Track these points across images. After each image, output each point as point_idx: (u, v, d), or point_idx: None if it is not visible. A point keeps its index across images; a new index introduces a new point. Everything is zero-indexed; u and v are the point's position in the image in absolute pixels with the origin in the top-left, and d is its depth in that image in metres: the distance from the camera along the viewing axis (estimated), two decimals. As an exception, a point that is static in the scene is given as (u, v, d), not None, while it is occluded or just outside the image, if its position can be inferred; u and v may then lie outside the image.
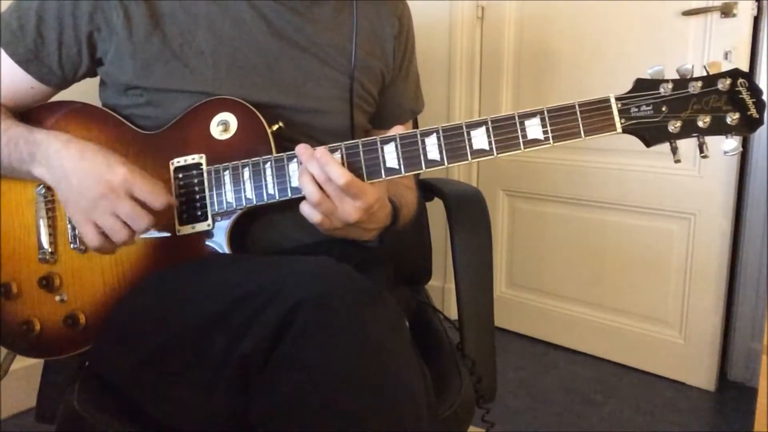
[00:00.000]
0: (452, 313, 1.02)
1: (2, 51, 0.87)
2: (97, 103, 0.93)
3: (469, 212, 1.06)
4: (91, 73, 0.92)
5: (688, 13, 1.79)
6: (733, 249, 1.90)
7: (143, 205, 0.79)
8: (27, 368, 1.53)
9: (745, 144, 1.84)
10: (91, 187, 0.78)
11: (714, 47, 1.75)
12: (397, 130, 0.81)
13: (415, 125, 1.19)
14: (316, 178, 0.78)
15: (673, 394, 1.92)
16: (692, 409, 1.84)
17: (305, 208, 0.80)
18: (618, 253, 2.06)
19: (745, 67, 1.72)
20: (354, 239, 0.88)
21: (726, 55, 1.72)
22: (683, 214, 1.91)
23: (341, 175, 0.77)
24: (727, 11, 1.71)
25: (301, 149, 0.79)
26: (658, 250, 1.97)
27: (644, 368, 2.04)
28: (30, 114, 0.90)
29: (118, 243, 0.81)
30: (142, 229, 0.80)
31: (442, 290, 2.37)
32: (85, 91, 0.95)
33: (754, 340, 1.90)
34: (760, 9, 1.72)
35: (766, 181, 1.82)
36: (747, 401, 1.77)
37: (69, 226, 0.87)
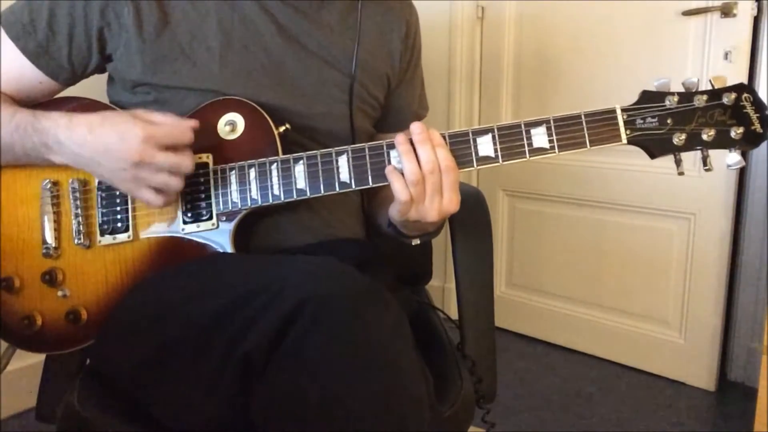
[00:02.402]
0: (452, 313, 1.02)
1: (13, 45, 0.86)
2: (105, 100, 0.93)
3: (469, 212, 1.06)
4: (100, 70, 0.92)
5: (688, 13, 1.79)
6: (733, 249, 1.90)
7: (175, 147, 0.79)
8: (27, 368, 1.53)
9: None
10: (122, 161, 0.78)
11: (714, 47, 1.75)
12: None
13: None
14: (422, 161, 0.78)
15: (673, 394, 1.92)
16: (692, 409, 1.84)
17: (397, 184, 0.79)
18: (618, 253, 2.06)
19: (744, 68, 1.72)
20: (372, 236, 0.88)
21: (726, 55, 1.72)
22: (683, 214, 1.91)
23: (447, 157, 0.78)
24: (727, 11, 1.72)
25: (418, 126, 0.79)
26: (658, 250, 1.97)
27: (644, 368, 2.04)
28: (38, 109, 0.90)
29: (178, 190, 0.81)
30: (191, 167, 0.80)
31: (442, 290, 2.37)
32: (92, 86, 0.95)
33: (754, 340, 1.91)
34: (760, 9, 1.72)
35: (766, 181, 1.83)
36: (747, 401, 1.77)
37: (74, 221, 0.87)
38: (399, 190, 0.79)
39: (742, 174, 1.88)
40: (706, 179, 1.83)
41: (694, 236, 1.90)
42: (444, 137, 0.80)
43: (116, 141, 0.78)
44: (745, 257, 1.92)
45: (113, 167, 0.79)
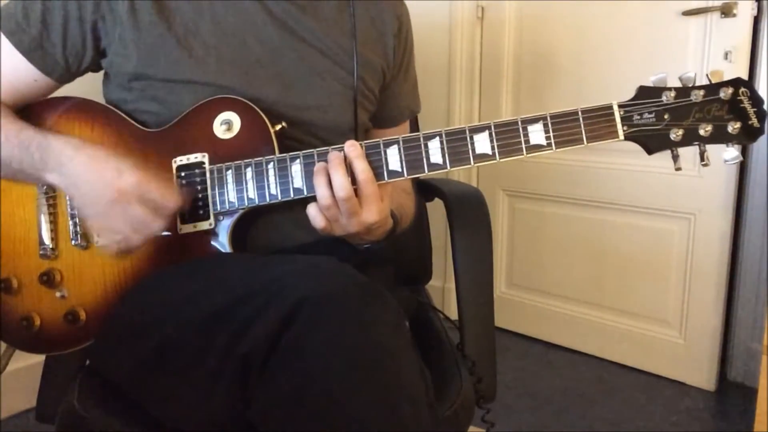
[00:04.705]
0: (452, 313, 1.02)
1: (7, 42, 0.86)
2: (101, 100, 0.93)
3: (469, 212, 1.06)
4: (95, 67, 0.92)
5: (688, 13, 1.79)
6: (733, 249, 1.90)
7: (155, 209, 0.79)
8: (27, 368, 1.53)
9: (745, 145, 1.84)
10: (103, 193, 0.78)
11: (714, 47, 1.75)
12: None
13: (415, 126, 1.19)
14: (335, 187, 0.78)
15: (673, 394, 1.92)
16: (692, 409, 1.84)
17: (312, 210, 0.80)
18: (618, 253, 2.06)
19: (744, 67, 1.72)
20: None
21: (726, 55, 1.72)
22: (683, 214, 1.91)
23: (364, 170, 0.78)
24: (727, 11, 1.71)
25: (335, 150, 0.80)
26: (658, 250, 1.97)
27: (644, 368, 2.04)
28: (32, 109, 0.90)
29: (134, 247, 0.81)
30: (155, 233, 0.80)
31: (442, 290, 2.37)
32: (89, 87, 0.95)
33: (754, 340, 1.90)
34: (760, 9, 1.72)
35: (766, 181, 1.83)
36: (747, 401, 1.77)
37: (70, 222, 0.87)
38: (314, 216, 0.80)
39: (742, 174, 1.88)
40: (706, 179, 1.83)
41: (694, 236, 1.90)
42: (441, 134, 0.80)
43: (113, 172, 0.79)
44: (745, 257, 1.92)
45: (94, 194, 0.79)
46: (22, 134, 0.84)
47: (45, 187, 0.87)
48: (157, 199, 0.79)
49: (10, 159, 0.84)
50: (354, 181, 0.79)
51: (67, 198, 0.87)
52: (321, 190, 0.79)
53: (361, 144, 0.80)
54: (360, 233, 0.81)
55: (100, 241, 0.82)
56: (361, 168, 0.78)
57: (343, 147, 0.80)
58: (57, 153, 0.81)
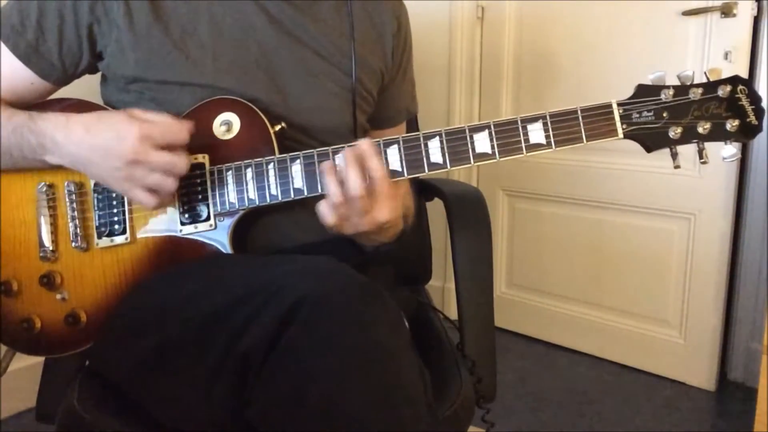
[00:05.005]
0: (452, 313, 1.02)
1: (4, 46, 0.86)
2: (98, 101, 0.93)
3: (469, 212, 1.06)
4: (91, 69, 0.92)
5: (688, 13, 1.79)
6: (733, 249, 1.90)
7: (171, 148, 0.79)
8: (27, 368, 1.52)
9: (745, 144, 1.84)
10: (117, 160, 0.78)
11: (714, 47, 1.75)
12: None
13: (415, 126, 1.19)
14: (349, 186, 0.77)
15: (673, 394, 1.92)
16: (692, 409, 1.84)
17: (322, 208, 0.80)
18: (618, 253, 2.06)
19: (744, 67, 1.72)
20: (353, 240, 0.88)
21: (726, 55, 1.72)
22: (683, 214, 1.91)
23: (378, 168, 0.77)
24: (727, 11, 1.71)
25: (351, 147, 0.79)
26: (658, 250, 1.97)
27: (644, 368, 2.04)
28: (33, 110, 0.90)
29: (172, 191, 0.81)
30: (185, 169, 0.80)
31: (442, 290, 2.37)
32: (87, 87, 0.95)
33: (754, 340, 1.90)
34: (760, 9, 1.72)
35: (766, 181, 1.83)
36: (747, 401, 1.77)
37: (71, 224, 0.87)
38: (324, 213, 0.79)
39: (742, 174, 1.88)
40: (706, 179, 1.83)
41: (694, 236, 1.90)
42: (441, 134, 0.80)
43: (112, 139, 0.78)
44: (745, 257, 1.92)
45: (108, 166, 0.79)
46: (13, 119, 0.84)
47: (45, 188, 0.87)
48: (169, 139, 0.79)
49: (9, 147, 0.83)
50: (367, 178, 0.78)
51: (67, 200, 0.87)
52: (332, 188, 0.78)
53: (376, 142, 0.80)
54: (371, 232, 0.81)
55: (140, 203, 0.81)
56: (376, 166, 0.77)
57: (354, 144, 0.79)
58: (50, 133, 0.81)
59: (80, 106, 0.90)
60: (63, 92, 0.93)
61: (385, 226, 0.80)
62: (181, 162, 0.79)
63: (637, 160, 1.93)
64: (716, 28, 1.75)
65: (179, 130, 0.80)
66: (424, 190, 1.14)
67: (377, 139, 0.81)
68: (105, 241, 0.86)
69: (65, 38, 0.87)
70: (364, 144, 0.78)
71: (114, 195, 0.87)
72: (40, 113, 0.84)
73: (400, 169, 0.81)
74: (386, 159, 0.81)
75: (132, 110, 0.81)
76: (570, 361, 2.14)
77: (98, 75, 0.94)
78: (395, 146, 0.81)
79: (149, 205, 0.81)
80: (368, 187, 0.77)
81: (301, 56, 0.92)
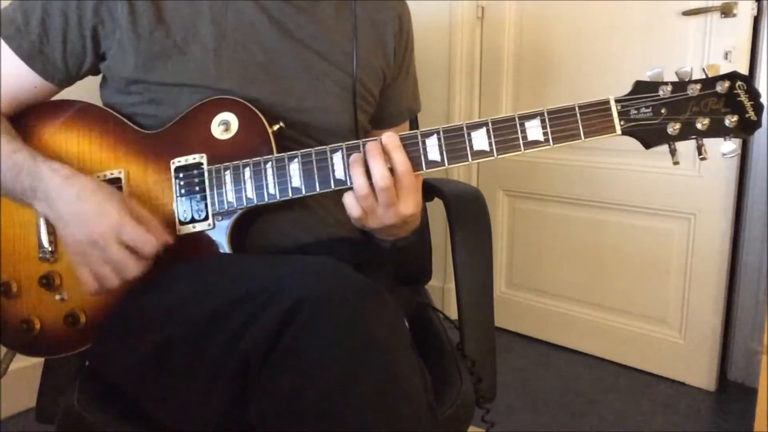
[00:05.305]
0: (452, 313, 1.02)
1: (7, 47, 0.86)
2: (98, 102, 0.93)
3: (469, 212, 1.06)
4: (95, 70, 0.92)
5: (688, 13, 1.79)
6: (733, 249, 1.90)
7: (134, 251, 0.79)
8: (27, 368, 1.52)
9: (745, 144, 1.84)
10: (84, 232, 0.79)
11: (714, 47, 1.75)
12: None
13: (415, 125, 1.19)
14: (374, 177, 0.78)
15: (673, 394, 1.92)
16: (692, 409, 1.84)
17: (348, 200, 0.80)
18: (618, 253, 2.06)
19: (744, 67, 1.72)
20: (368, 234, 0.89)
21: (726, 55, 1.72)
22: (683, 214, 1.91)
23: (403, 161, 0.78)
24: (727, 11, 1.71)
25: (374, 141, 0.80)
26: (658, 250, 1.97)
27: (644, 368, 2.04)
28: (31, 113, 0.90)
29: (111, 287, 0.81)
30: (131, 276, 0.80)
31: (442, 290, 2.37)
32: (87, 89, 0.95)
33: (754, 340, 1.90)
34: (760, 9, 1.72)
35: (766, 181, 1.83)
36: (747, 401, 1.77)
37: None
38: (350, 205, 0.80)
39: (742, 174, 1.88)
40: (706, 179, 1.83)
41: (694, 236, 1.90)
42: (439, 131, 0.80)
43: (92, 214, 0.79)
44: (745, 257, 1.92)
45: (77, 233, 0.80)
46: (15, 156, 0.84)
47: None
48: (137, 242, 0.79)
49: (5, 180, 0.84)
50: (392, 172, 0.78)
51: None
52: (359, 180, 0.78)
53: (399, 135, 0.80)
54: (395, 225, 0.82)
55: (81, 279, 0.82)
56: (401, 159, 0.78)
57: (373, 140, 0.80)
58: (46, 183, 0.81)
59: (88, 110, 0.90)
60: (62, 93, 0.93)
61: (408, 219, 0.81)
62: (130, 269, 0.79)
63: (636, 160, 1.93)
64: (716, 28, 1.75)
65: (149, 241, 0.79)
66: (423, 189, 1.14)
67: (378, 137, 0.81)
68: (104, 241, 0.86)
69: (69, 39, 0.87)
70: (386, 138, 0.79)
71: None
72: (44, 159, 0.83)
73: None
74: None
75: (132, 199, 0.82)
76: (570, 361, 2.14)
77: (97, 76, 0.94)
78: None
79: (86, 287, 0.82)
80: (393, 179, 0.78)
81: (302, 57, 0.92)
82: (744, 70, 1.71)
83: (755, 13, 1.71)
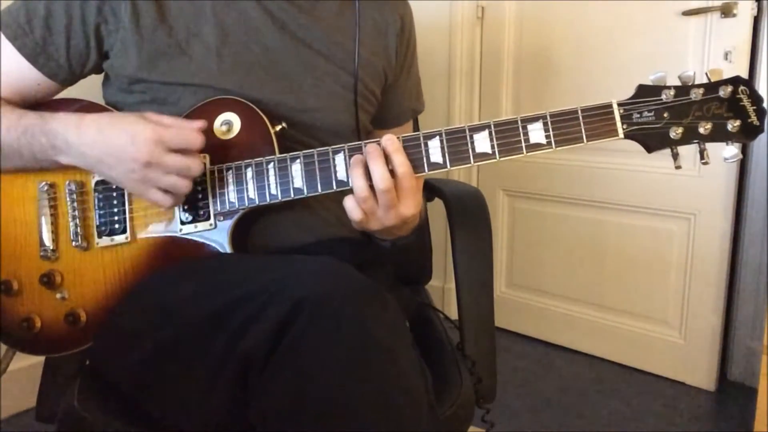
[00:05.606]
0: (452, 313, 1.02)
1: (11, 46, 0.86)
2: (101, 101, 0.93)
3: (469, 212, 1.06)
4: (98, 69, 0.92)
5: (688, 13, 1.79)
6: (733, 249, 1.90)
7: (185, 151, 0.79)
8: (27, 368, 1.52)
9: (745, 144, 1.84)
10: (132, 162, 0.78)
11: (714, 47, 1.75)
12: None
13: (415, 126, 1.19)
14: (374, 179, 0.78)
15: (673, 394, 1.92)
16: (692, 409, 1.84)
17: (349, 203, 0.80)
18: (618, 253, 2.06)
19: (744, 68, 1.72)
20: (368, 235, 0.89)
21: (726, 55, 1.72)
22: (683, 214, 1.91)
23: (403, 163, 0.78)
24: (727, 11, 1.71)
25: (373, 143, 0.79)
26: (658, 250, 1.97)
27: (644, 368, 2.04)
28: (42, 110, 0.90)
29: (186, 193, 0.81)
30: (199, 171, 0.80)
31: (442, 290, 2.37)
32: (90, 88, 0.95)
33: (754, 340, 1.91)
34: (760, 9, 1.72)
35: (766, 181, 1.83)
36: (747, 401, 1.77)
37: (71, 223, 0.87)
38: (351, 209, 0.80)
39: (742, 174, 1.88)
40: (706, 179, 1.83)
41: (694, 236, 1.90)
42: (441, 134, 0.80)
43: (126, 142, 0.78)
44: (745, 257, 1.92)
45: (123, 169, 0.79)
46: (22, 121, 0.83)
47: (46, 187, 0.87)
48: (182, 143, 0.79)
49: (20, 147, 0.83)
50: (392, 174, 0.78)
51: (68, 199, 0.87)
52: (358, 182, 0.78)
53: (399, 137, 0.80)
54: (395, 227, 0.82)
55: (155, 203, 0.82)
56: (401, 161, 0.78)
57: (374, 141, 0.80)
58: (62, 135, 0.81)
59: (91, 108, 0.89)
60: (65, 91, 0.93)
61: (408, 220, 0.81)
62: (195, 165, 0.79)
63: (637, 160, 1.93)
64: (716, 28, 1.75)
65: (192, 134, 0.80)
66: (424, 190, 1.14)
67: (380, 139, 0.81)
68: (105, 241, 0.86)
69: (73, 38, 0.87)
70: (386, 140, 0.79)
71: (114, 195, 0.87)
72: (51, 114, 0.83)
73: None
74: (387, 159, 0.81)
75: (145, 113, 0.81)
76: (570, 361, 2.14)
77: (100, 75, 0.94)
78: None
79: (165, 205, 0.82)
80: (394, 181, 0.78)
81: (303, 57, 0.92)
82: (744, 70, 1.71)
83: (755, 13, 1.71)
